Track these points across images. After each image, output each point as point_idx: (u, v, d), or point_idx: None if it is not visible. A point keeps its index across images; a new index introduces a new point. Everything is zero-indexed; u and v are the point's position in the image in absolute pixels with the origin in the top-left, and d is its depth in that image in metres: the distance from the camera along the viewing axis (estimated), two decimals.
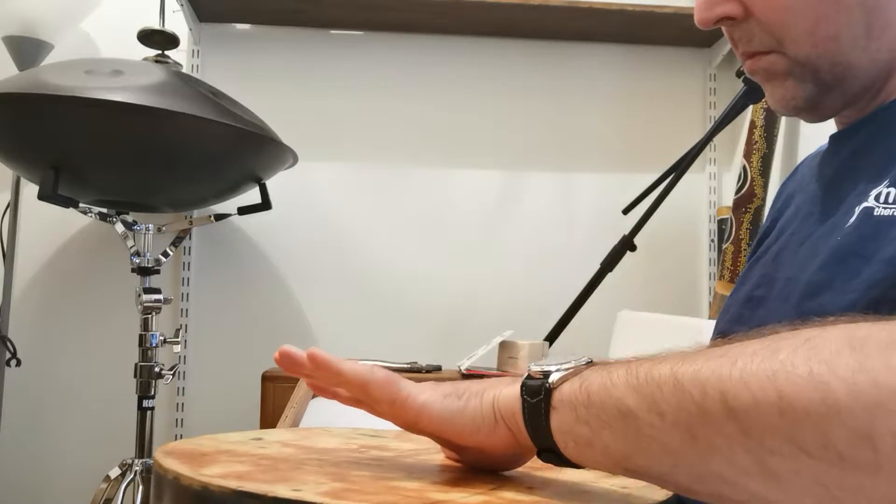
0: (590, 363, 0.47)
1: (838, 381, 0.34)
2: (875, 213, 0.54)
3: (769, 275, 0.66)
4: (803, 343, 0.37)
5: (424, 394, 0.50)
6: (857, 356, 0.35)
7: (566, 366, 0.46)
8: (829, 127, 0.68)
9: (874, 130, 0.61)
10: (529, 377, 0.47)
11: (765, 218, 0.79)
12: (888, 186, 0.55)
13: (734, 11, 0.60)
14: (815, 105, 0.62)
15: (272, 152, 1.68)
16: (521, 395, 0.47)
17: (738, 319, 0.68)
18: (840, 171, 0.64)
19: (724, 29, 0.63)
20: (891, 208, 0.53)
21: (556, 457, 0.46)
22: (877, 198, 0.55)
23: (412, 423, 0.50)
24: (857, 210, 0.56)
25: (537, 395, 0.46)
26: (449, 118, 2.13)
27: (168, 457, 0.49)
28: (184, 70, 1.82)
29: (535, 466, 0.56)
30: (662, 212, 1.63)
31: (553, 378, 0.46)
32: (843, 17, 0.57)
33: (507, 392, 0.48)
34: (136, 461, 1.64)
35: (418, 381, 0.53)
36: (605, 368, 0.45)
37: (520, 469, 0.53)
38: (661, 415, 0.40)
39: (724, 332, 0.70)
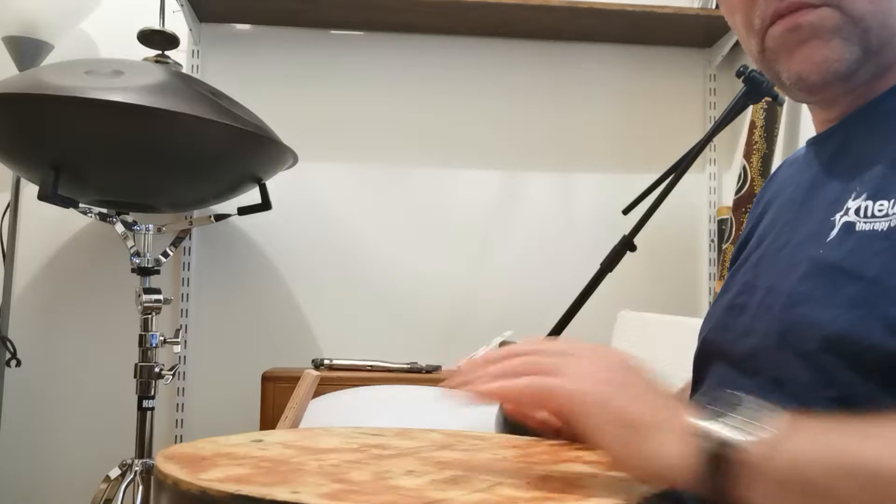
0: (772, 419, 0.45)
1: None
2: (857, 229, 0.55)
3: (750, 282, 0.66)
4: None
5: None
6: None
7: (753, 435, 0.44)
8: None
9: (846, 136, 0.61)
10: (708, 438, 0.45)
11: (744, 225, 0.78)
12: (866, 199, 0.55)
13: None
14: (852, 74, 0.59)
15: (272, 152, 1.68)
16: (703, 462, 0.45)
17: (722, 327, 0.68)
18: (816, 178, 0.64)
19: None
20: (871, 222, 0.54)
21: None
22: (857, 212, 0.55)
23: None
24: (838, 224, 0.56)
25: (720, 464, 0.44)
26: (449, 118, 2.12)
27: (168, 461, 0.50)
28: (184, 70, 1.82)
29: (534, 461, 0.56)
30: (662, 212, 1.63)
31: (743, 446, 0.44)
32: None
33: (678, 451, 0.47)
34: (136, 461, 1.64)
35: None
36: (816, 442, 0.44)
37: (519, 464, 0.53)
38: None
39: (709, 340, 0.70)
